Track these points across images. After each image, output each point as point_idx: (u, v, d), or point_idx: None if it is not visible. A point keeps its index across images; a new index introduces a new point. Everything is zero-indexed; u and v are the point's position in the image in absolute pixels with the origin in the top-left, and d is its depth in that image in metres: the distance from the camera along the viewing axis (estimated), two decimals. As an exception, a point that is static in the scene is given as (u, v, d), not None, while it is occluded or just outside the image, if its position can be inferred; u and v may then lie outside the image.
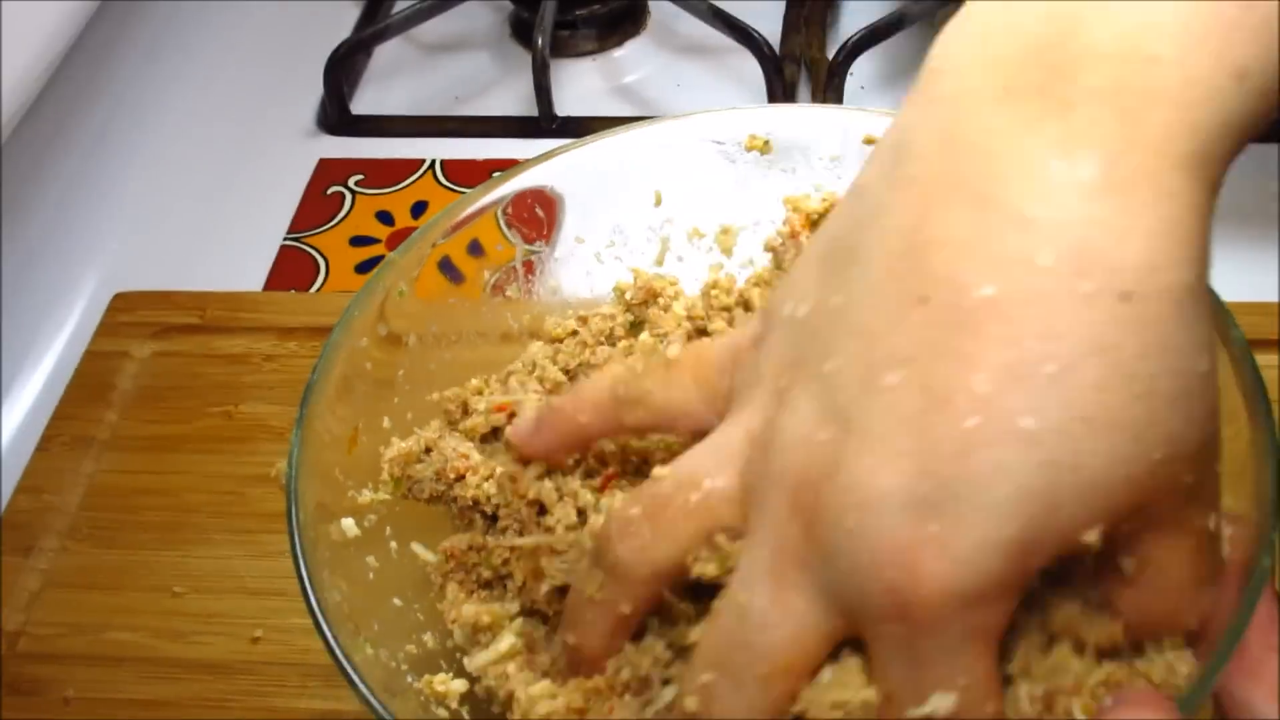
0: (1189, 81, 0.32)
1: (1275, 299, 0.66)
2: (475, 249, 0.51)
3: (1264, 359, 0.48)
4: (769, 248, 0.50)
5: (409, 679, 0.43)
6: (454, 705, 0.42)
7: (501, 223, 0.51)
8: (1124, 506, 0.33)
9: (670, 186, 0.53)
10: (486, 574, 0.45)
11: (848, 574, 0.33)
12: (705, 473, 0.37)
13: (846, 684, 0.34)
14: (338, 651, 0.40)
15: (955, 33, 0.35)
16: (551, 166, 0.51)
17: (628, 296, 0.52)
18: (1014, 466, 0.31)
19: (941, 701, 0.33)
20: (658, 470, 0.38)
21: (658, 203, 0.53)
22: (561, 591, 0.42)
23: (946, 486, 0.32)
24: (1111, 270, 0.31)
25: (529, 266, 0.53)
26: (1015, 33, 0.33)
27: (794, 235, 0.49)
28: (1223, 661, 0.36)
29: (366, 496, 0.46)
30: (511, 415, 0.46)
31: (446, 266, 0.50)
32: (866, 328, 0.33)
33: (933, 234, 0.33)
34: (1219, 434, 0.35)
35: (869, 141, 0.47)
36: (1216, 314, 0.41)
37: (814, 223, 0.49)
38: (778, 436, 0.35)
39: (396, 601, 0.46)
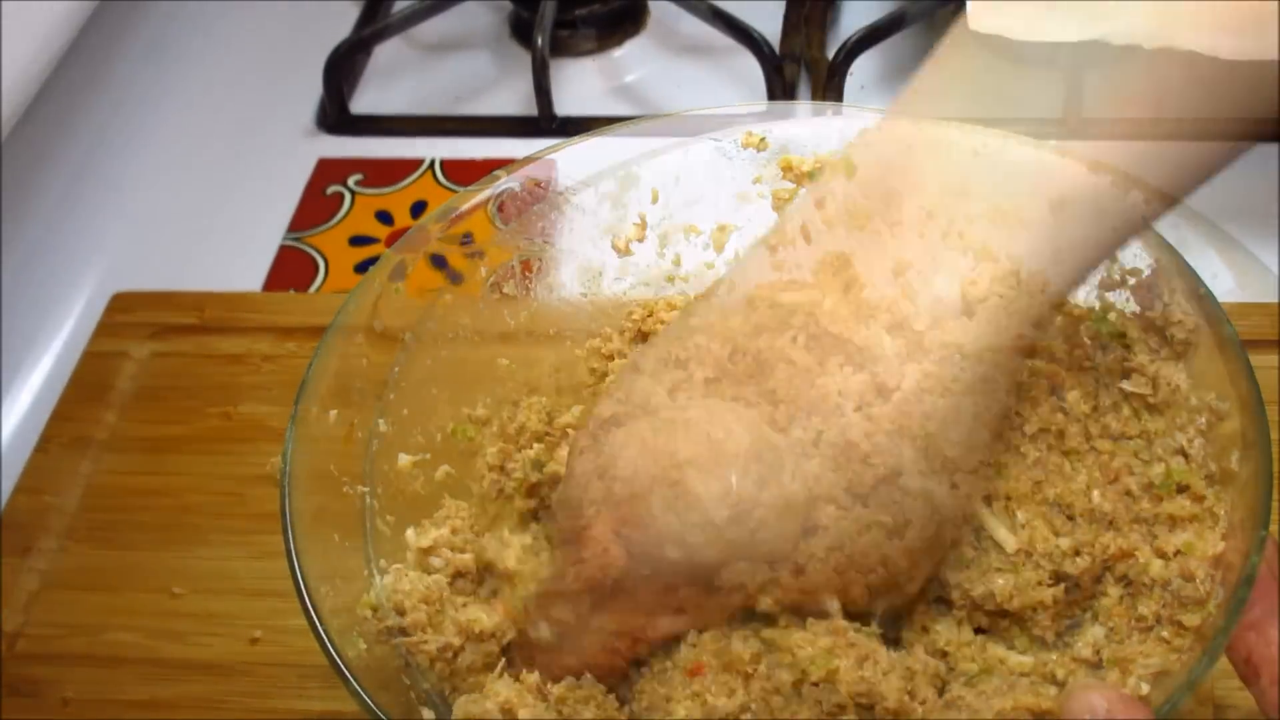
0: (1001, 213, 0.39)
1: (1275, 299, 0.66)
2: (471, 247, 0.51)
3: (1264, 359, 0.48)
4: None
5: (403, 678, 0.43)
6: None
7: (497, 220, 0.51)
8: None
9: (667, 184, 0.53)
10: None
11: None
12: None
13: None
14: (330, 647, 0.40)
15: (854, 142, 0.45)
16: (547, 164, 0.51)
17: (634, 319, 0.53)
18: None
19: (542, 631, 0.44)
20: None
21: (654, 199, 0.53)
22: None
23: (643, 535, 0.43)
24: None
25: (526, 265, 0.53)
26: (876, 154, 0.43)
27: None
28: (1212, 660, 0.38)
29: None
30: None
31: (443, 264, 0.50)
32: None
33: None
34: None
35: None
36: (1212, 314, 0.42)
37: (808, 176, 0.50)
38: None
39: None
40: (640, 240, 0.54)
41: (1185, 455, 0.44)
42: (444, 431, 0.50)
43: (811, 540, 0.45)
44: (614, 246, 0.53)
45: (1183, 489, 0.43)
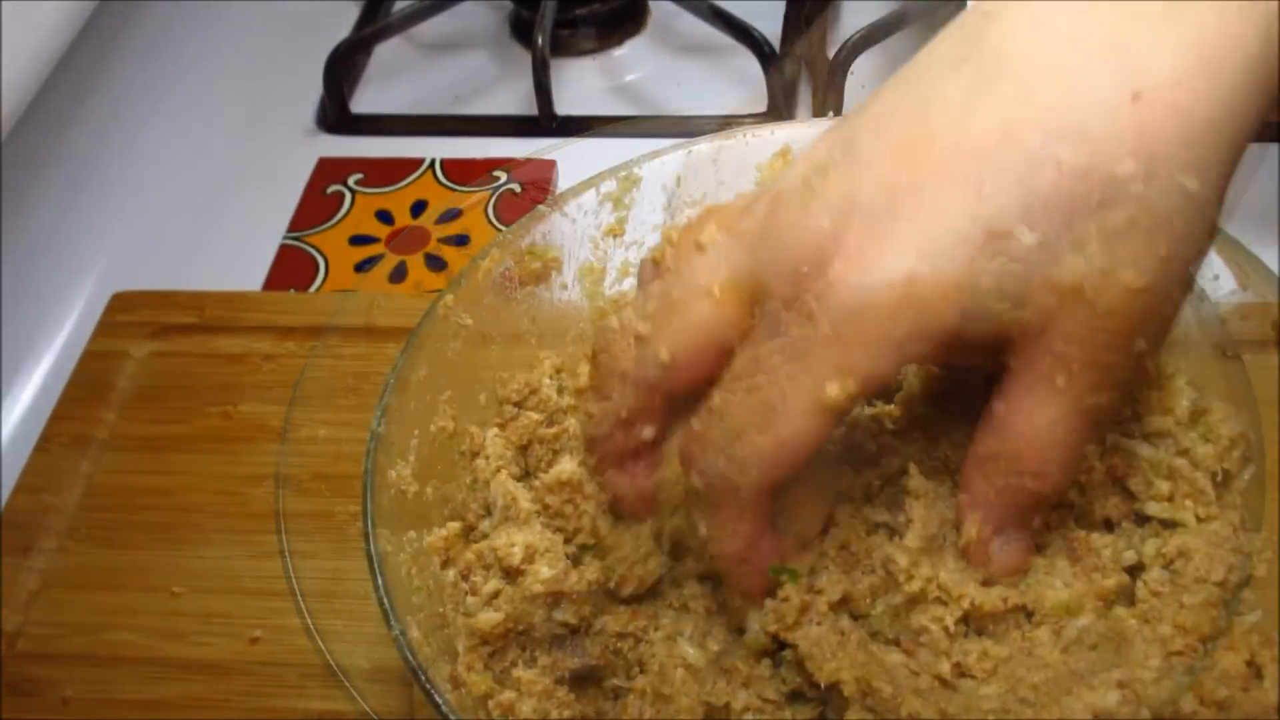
0: None
1: (1275, 299, 0.66)
2: (469, 248, 0.51)
3: (1264, 360, 0.48)
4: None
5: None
6: None
7: (495, 223, 0.51)
8: (1023, 313, 0.34)
9: (669, 184, 0.53)
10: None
11: (773, 251, 0.36)
12: None
13: None
14: (337, 671, 0.40)
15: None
16: (547, 164, 0.51)
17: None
18: (954, 208, 0.32)
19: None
20: None
21: (626, 205, 0.53)
22: None
23: (893, 203, 0.33)
24: (1133, 67, 0.32)
25: (525, 266, 0.52)
26: None
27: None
28: (1209, 658, 0.38)
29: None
30: None
31: (441, 265, 0.50)
32: (910, 86, 0.36)
33: (993, 9, 0.35)
34: (1185, 280, 0.35)
35: None
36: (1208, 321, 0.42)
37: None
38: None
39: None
40: (618, 245, 0.54)
41: (1174, 439, 0.44)
42: (433, 446, 0.50)
43: (823, 539, 0.45)
44: (593, 256, 0.53)
45: (1171, 473, 0.44)
